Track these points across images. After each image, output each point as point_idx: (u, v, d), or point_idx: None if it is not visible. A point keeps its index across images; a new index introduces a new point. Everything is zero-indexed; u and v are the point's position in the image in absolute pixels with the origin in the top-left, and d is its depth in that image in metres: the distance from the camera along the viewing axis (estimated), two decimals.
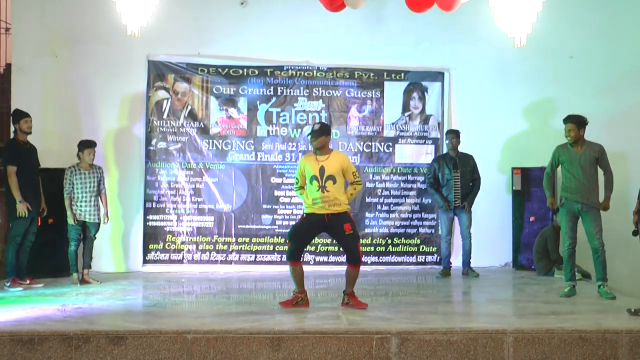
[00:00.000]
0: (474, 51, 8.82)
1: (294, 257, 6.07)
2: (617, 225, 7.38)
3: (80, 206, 7.45)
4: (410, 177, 8.92)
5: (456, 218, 8.23)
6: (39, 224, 7.44)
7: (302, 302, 6.12)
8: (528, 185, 8.73)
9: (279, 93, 8.83)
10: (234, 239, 8.69)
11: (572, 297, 6.65)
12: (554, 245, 8.11)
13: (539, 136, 8.79)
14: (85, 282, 7.48)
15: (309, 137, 6.14)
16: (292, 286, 6.18)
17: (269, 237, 8.72)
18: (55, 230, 7.81)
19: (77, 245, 7.52)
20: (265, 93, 8.81)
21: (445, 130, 8.76)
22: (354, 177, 6.16)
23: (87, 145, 7.55)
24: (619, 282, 7.72)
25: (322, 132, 6.11)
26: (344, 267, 6.21)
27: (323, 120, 8.78)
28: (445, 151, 8.49)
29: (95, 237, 7.65)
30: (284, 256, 8.53)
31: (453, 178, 8.09)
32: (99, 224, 7.61)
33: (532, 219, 8.70)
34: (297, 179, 6.27)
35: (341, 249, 6.54)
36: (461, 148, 8.23)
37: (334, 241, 7.40)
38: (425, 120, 8.96)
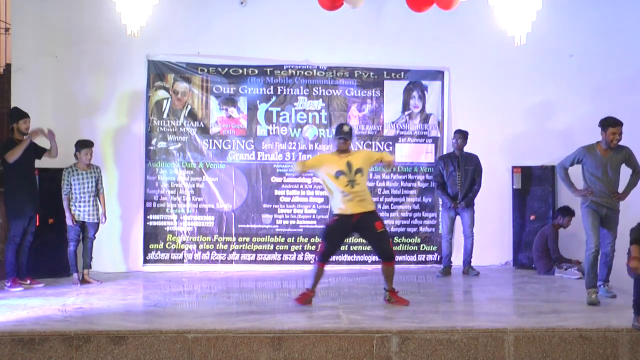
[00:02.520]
0: (474, 50, 8.80)
1: (324, 259, 6.19)
2: (618, 225, 7.37)
3: (79, 206, 7.45)
4: (410, 176, 8.90)
5: (458, 217, 8.22)
6: (37, 224, 7.43)
7: (310, 301, 6.22)
8: (528, 184, 8.72)
9: (278, 92, 8.82)
10: (234, 239, 8.68)
11: (572, 296, 6.66)
12: (554, 244, 8.11)
13: (539, 135, 8.81)
14: (85, 282, 7.48)
15: (339, 137, 6.23)
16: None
17: (269, 236, 8.71)
18: (55, 231, 7.78)
19: (76, 246, 7.52)
20: (265, 92, 8.80)
21: (444, 129, 8.83)
22: (378, 152, 6.30)
23: (83, 145, 7.53)
24: (619, 281, 7.71)
25: (352, 135, 6.36)
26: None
27: (323, 120, 8.80)
28: (450, 150, 8.46)
29: (95, 237, 7.64)
30: (285, 256, 8.57)
31: (455, 177, 8.08)
32: (98, 224, 7.61)
33: (532, 217, 8.69)
34: (307, 163, 6.44)
35: (370, 247, 6.51)
36: None
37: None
38: (425, 119, 8.96)
